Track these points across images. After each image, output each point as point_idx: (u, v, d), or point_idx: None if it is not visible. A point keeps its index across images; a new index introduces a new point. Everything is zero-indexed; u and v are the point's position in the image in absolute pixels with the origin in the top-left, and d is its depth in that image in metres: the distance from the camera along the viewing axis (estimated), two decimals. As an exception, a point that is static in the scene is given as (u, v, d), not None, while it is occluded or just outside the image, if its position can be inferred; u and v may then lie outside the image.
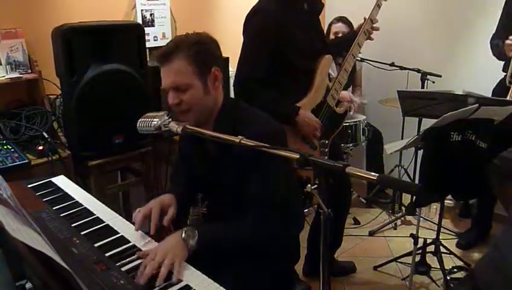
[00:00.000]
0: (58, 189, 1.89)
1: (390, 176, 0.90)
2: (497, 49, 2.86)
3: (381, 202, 3.93)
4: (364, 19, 2.43)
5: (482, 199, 3.14)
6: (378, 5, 2.43)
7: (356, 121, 3.54)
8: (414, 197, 2.22)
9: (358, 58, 3.63)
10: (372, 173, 0.97)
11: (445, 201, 3.52)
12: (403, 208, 3.74)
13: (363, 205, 3.92)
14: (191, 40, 1.56)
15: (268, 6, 2.22)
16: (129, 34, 2.71)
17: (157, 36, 3.28)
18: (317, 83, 2.34)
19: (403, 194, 3.79)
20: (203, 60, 1.55)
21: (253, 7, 2.25)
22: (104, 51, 2.58)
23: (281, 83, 2.21)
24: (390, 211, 3.79)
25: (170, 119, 1.51)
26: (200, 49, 1.55)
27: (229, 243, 1.52)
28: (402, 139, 3.39)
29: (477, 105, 2.10)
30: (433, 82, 3.38)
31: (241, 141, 1.26)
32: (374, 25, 2.44)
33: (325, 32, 3.78)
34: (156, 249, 1.36)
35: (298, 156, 1.10)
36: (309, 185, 1.09)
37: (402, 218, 3.63)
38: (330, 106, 2.38)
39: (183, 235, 1.41)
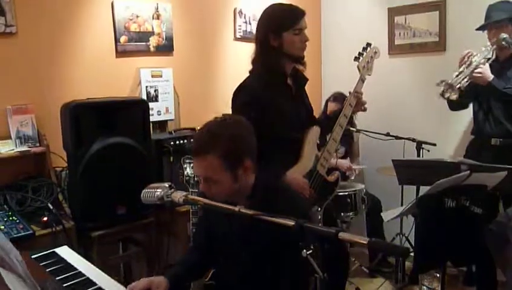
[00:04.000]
0: (62, 259, 1.91)
1: (380, 240, 0.95)
2: None
3: (384, 271, 3.88)
4: (350, 93, 2.55)
5: (482, 266, 3.12)
6: (362, 80, 2.55)
7: (355, 190, 3.58)
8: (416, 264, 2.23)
9: (354, 129, 3.76)
10: (363, 238, 1.03)
11: (449, 269, 3.50)
12: (406, 277, 3.70)
13: (366, 275, 3.87)
14: (226, 135, 1.61)
15: (252, 83, 2.35)
16: (134, 109, 2.84)
17: (160, 111, 3.42)
18: (306, 153, 2.41)
19: (406, 263, 3.76)
20: (234, 156, 1.62)
21: (240, 84, 2.38)
22: (110, 125, 2.69)
23: (269, 155, 2.28)
24: (393, 281, 3.74)
25: (172, 190, 1.57)
26: (233, 146, 1.61)
27: None
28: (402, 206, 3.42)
29: (468, 172, 2.17)
30: (428, 150, 3.47)
31: (240, 210, 1.32)
32: (362, 99, 2.54)
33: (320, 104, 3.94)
34: None
35: (293, 223, 1.16)
36: (304, 251, 1.13)
37: (406, 287, 3.58)
38: (320, 174, 2.45)
39: None
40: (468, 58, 2.94)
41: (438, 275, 3.54)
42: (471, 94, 3.05)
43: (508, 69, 2.97)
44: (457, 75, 2.87)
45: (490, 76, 2.84)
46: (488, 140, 3.03)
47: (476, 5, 3.59)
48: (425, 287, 3.26)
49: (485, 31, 3.06)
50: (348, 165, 3.84)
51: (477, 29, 3.09)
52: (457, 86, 2.83)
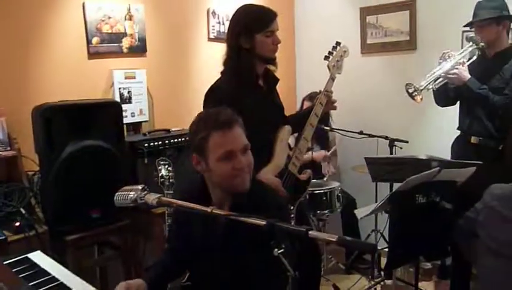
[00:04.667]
0: (35, 265, 1.89)
1: (348, 237, 0.97)
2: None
3: (361, 268, 3.95)
4: (320, 91, 2.58)
5: (457, 259, 3.19)
6: (332, 79, 2.56)
7: (331, 188, 3.62)
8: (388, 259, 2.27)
9: (328, 128, 3.81)
10: (332, 235, 1.05)
11: (424, 263, 3.57)
12: (382, 273, 3.76)
13: (342, 272, 3.93)
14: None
15: (223, 84, 2.36)
16: (107, 111, 2.83)
17: (134, 112, 3.40)
18: (278, 152, 2.42)
19: (381, 258, 3.83)
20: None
21: (211, 85, 2.39)
22: (83, 128, 2.67)
23: None
24: (369, 277, 3.80)
25: (146, 192, 1.57)
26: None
27: None
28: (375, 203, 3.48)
29: (438, 168, 2.22)
30: (401, 148, 3.54)
31: (213, 211, 1.33)
32: (332, 97, 2.57)
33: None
34: None
35: (265, 223, 1.18)
36: (276, 249, 1.15)
37: (382, 283, 3.64)
38: (292, 173, 2.46)
39: None
40: (444, 59, 2.97)
41: (411, 269, 3.63)
42: (444, 93, 3.08)
43: (496, 66, 2.93)
44: (428, 77, 2.91)
45: (466, 76, 2.86)
46: (468, 138, 3.07)
47: (445, 4, 3.68)
48: (399, 282, 3.32)
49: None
50: (323, 155, 3.90)
51: (464, 26, 3.09)
52: (430, 87, 2.88)
